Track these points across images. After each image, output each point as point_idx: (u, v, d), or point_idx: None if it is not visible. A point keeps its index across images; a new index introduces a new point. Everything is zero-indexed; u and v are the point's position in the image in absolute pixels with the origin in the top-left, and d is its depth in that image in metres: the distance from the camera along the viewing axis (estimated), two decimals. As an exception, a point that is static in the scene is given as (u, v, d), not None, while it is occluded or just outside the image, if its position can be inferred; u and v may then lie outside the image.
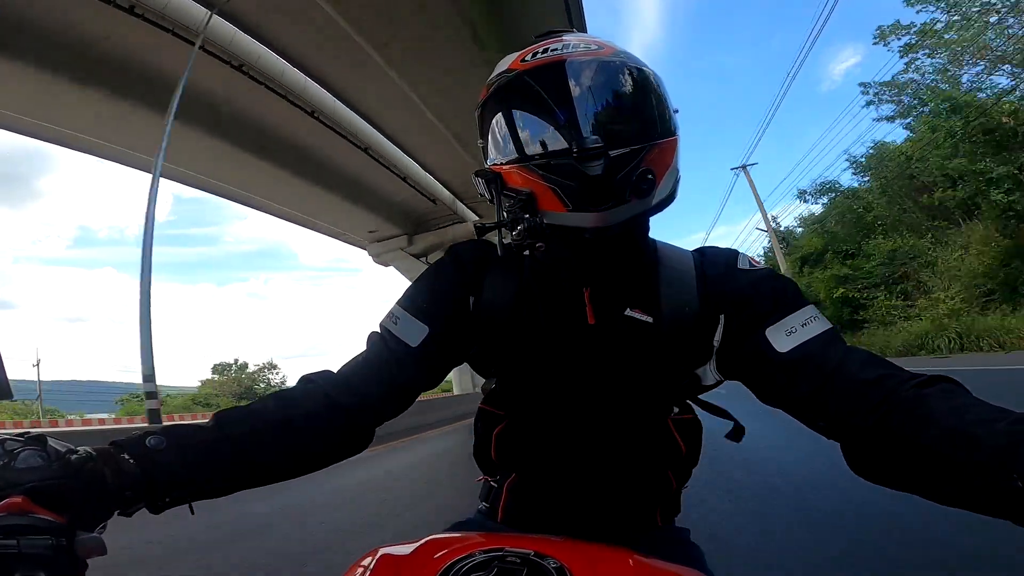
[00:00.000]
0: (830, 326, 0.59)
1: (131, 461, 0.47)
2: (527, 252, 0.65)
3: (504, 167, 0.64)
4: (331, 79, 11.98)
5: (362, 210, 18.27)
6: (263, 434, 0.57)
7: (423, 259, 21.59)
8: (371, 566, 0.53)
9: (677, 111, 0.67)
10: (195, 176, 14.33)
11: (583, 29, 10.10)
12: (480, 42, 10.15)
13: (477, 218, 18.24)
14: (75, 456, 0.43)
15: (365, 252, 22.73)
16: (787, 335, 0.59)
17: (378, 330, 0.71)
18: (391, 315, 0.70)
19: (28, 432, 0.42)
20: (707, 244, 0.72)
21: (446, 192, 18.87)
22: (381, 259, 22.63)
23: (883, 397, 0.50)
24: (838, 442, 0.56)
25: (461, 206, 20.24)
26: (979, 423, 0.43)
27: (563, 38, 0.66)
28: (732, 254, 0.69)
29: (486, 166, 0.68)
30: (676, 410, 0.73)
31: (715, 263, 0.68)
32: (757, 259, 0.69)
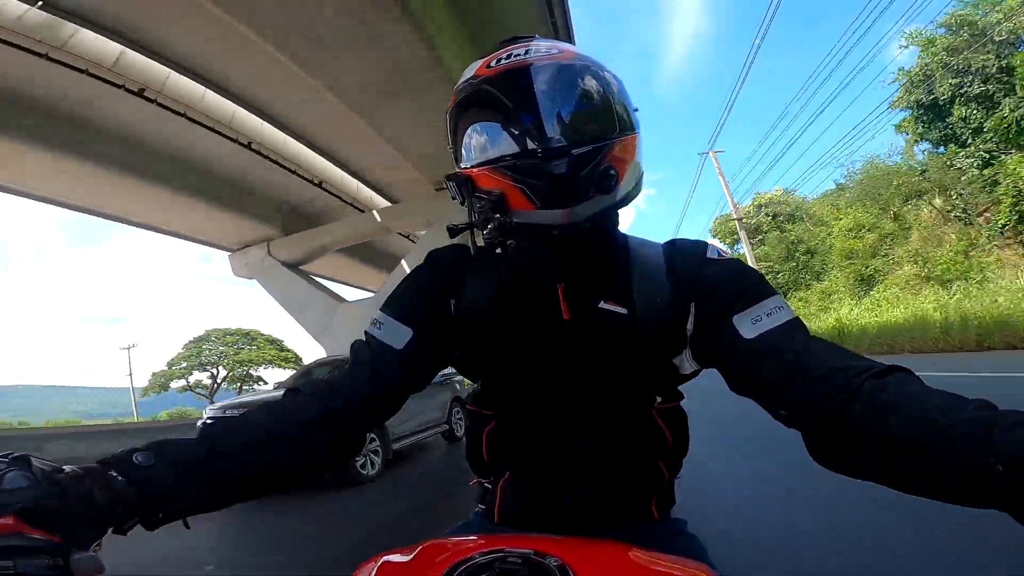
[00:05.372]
0: (794, 316, 0.61)
1: (120, 478, 0.46)
2: (499, 250, 0.67)
3: (474, 170, 0.65)
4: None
5: (215, 208, 13.64)
6: (253, 445, 0.57)
7: (297, 268, 16.30)
8: (372, 574, 0.52)
9: (637, 110, 0.69)
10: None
11: (568, 29, 10.07)
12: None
13: (388, 203, 15.29)
14: (62, 475, 0.42)
15: (227, 262, 16.97)
16: (753, 323, 0.60)
17: (363, 338, 0.72)
18: (375, 321, 0.72)
19: (10, 452, 0.41)
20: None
21: (336, 171, 13.99)
22: (244, 270, 16.73)
23: (843, 385, 0.51)
24: (798, 431, 0.57)
25: (364, 190, 15.16)
26: (943, 410, 0.44)
27: (527, 43, 0.69)
28: (701, 244, 0.71)
29: (457, 170, 0.69)
30: (659, 400, 0.74)
31: (685, 253, 0.70)
32: (725, 249, 0.71)
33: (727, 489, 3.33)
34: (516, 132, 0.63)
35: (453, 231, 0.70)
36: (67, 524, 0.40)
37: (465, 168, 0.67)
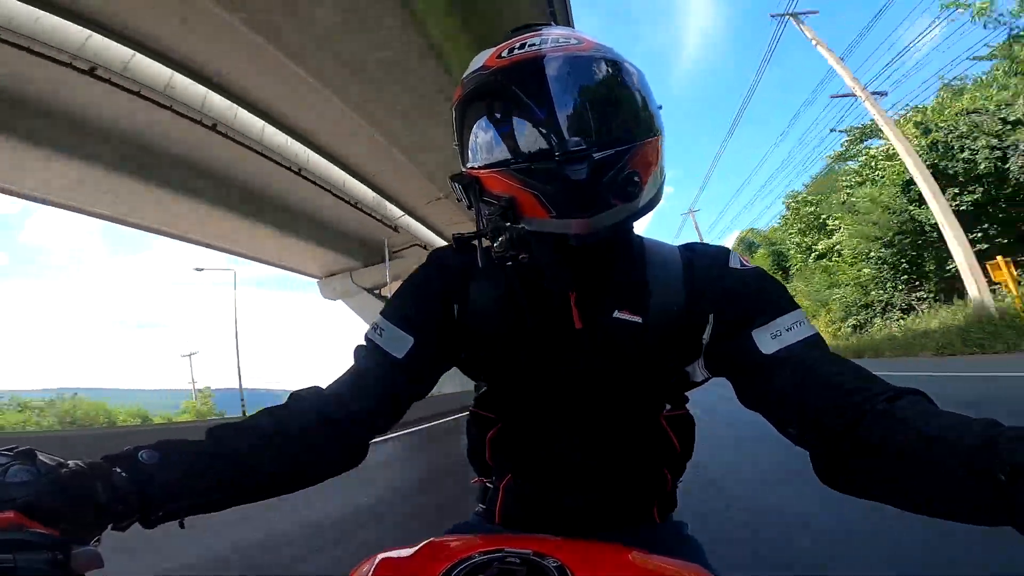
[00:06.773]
0: (815, 332, 0.59)
1: (124, 475, 0.46)
2: (509, 263, 0.62)
3: (482, 171, 0.61)
4: (266, 103, 11.58)
5: (305, 243, 18.17)
6: (256, 450, 0.57)
7: (375, 292, 21.54)
8: (370, 572, 0.53)
9: (661, 107, 0.64)
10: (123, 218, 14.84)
11: (567, 21, 9.88)
12: (443, 61, 9.55)
13: (444, 243, 17.30)
14: (65, 470, 0.42)
15: (316, 287, 22.91)
16: (772, 337, 0.58)
17: (364, 342, 0.69)
18: (376, 326, 0.69)
19: (16, 446, 0.42)
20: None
21: (400, 213, 18.54)
22: (330, 293, 22.69)
23: (856, 405, 0.50)
24: (807, 450, 0.55)
25: (423, 230, 20.06)
26: (952, 427, 0.43)
27: (540, 32, 0.63)
28: (723, 252, 0.67)
29: (463, 169, 0.65)
30: (668, 407, 0.72)
31: (705, 260, 0.67)
32: (747, 258, 0.68)
33: (728, 491, 3.27)
34: (530, 131, 0.58)
35: (460, 240, 0.64)
36: (68, 519, 0.40)
37: (472, 168, 0.63)
